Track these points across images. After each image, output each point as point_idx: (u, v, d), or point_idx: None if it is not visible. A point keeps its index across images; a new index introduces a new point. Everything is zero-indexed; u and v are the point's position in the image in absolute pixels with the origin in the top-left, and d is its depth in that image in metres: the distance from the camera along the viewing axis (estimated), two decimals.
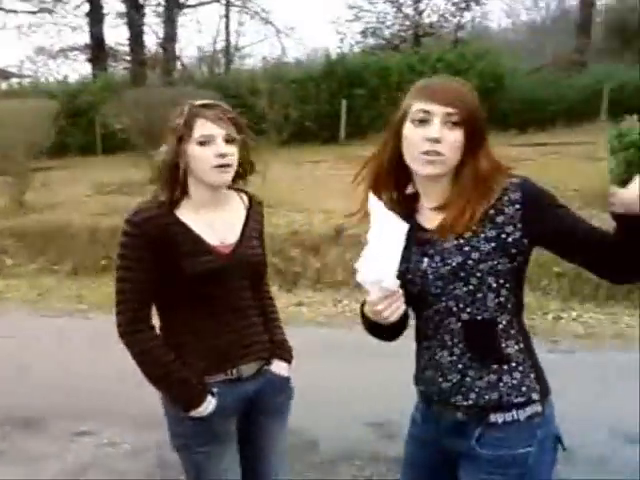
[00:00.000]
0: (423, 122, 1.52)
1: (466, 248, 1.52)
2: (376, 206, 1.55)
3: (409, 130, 1.55)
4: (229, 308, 1.92)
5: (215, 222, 1.92)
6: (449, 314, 1.57)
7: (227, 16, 21.93)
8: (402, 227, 1.52)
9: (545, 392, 1.59)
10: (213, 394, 1.89)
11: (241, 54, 23.00)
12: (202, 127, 1.83)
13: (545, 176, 7.98)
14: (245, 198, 2.05)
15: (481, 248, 1.51)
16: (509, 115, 14.81)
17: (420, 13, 20.84)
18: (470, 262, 1.51)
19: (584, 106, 14.26)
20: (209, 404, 1.88)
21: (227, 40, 21.83)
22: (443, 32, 20.98)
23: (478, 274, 1.51)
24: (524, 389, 1.55)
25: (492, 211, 1.52)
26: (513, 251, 1.52)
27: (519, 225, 1.50)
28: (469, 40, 19.56)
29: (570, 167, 9.27)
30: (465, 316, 1.55)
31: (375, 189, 1.62)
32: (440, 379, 1.60)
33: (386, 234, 1.50)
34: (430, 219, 1.61)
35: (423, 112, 1.52)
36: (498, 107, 14.88)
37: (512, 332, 1.56)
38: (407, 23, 20.93)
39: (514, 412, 1.55)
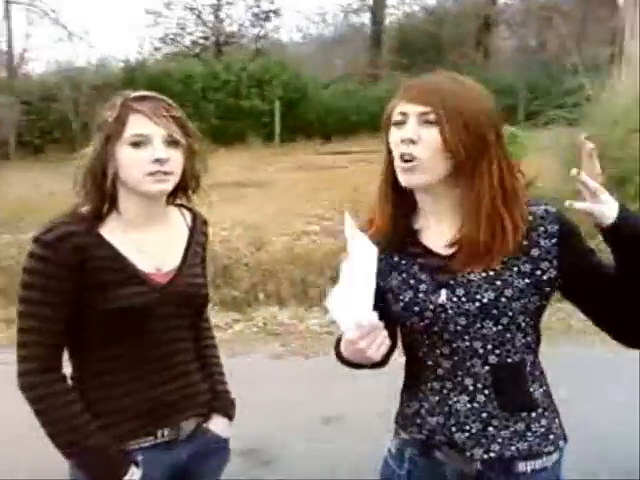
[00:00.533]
0: (400, 124, 1.34)
1: (498, 282, 1.32)
2: (348, 228, 1.30)
3: (391, 134, 1.37)
4: (163, 353, 1.57)
5: (150, 244, 1.57)
6: (473, 355, 1.36)
7: (8, 16, 20.12)
8: (372, 251, 1.28)
9: (565, 437, 1.45)
10: (137, 464, 1.54)
11: (29, 57, 21.27)
12: (136, 124, 1.48)
13: (363, 183, 8.18)
14: (188, 216, 1.69)
15: (515, 284, 1.33)
16: (314, 125, 15.25)
17: (221, 21, 20.74)
18: (503, 300, 1.32)
19: (381, 116, 15.03)
20: (131, 477, 1.52)
21: (9, 41, 20.04)
22: (244, 42, 21.07)
23: (510, 313, 1.33)
24: (552, 437, 1.40)
25: (526, 242, 1.33)
26: (547, 289, 1.35)
27: (555, 262, 1.34)
28: (268, 51, 19.87)
29: (378, 174, 9.62)
30: (493, 359, 1.36)
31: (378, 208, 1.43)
32: (454, 428, 1.39)
33: (357, 262, 1.27)
34: (441, 244, 1.39)
35: (401, 114, 1.34)
36: (303, 117, 15.31)
37: (537, 374, 1.41)
38: (208, 31, 20.74)
39: (544, 458, 1.40)
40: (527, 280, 1.32)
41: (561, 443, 1.42)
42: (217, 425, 1.69)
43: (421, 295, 1.37)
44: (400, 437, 1.50)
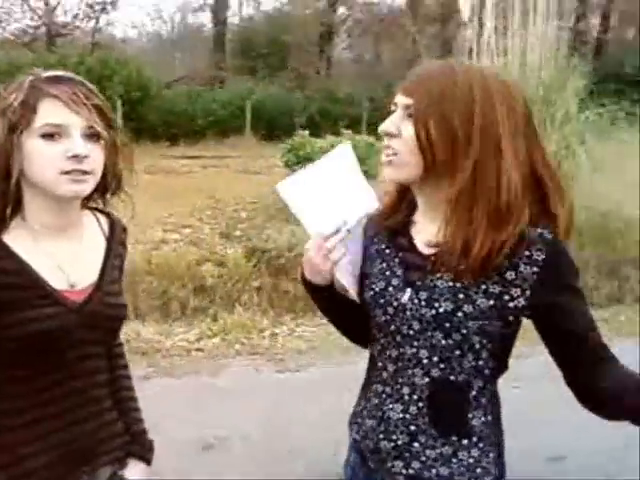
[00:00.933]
0: (390, 115, 1.26)
1: (460, 295, 1.22)
2: (352, 163, 1.34)
3: None
4: (76, 387, 1.34)
5: (62, 256, 1.33)
6: (417, 364, 1.27)
7: None
8: (372, 204, 1.34)
9: (500, 475, 1.33)
10: None
11: None
12: (50, 112, 1.24)
13: (219, 189, 7.90)
14: (104, 222, 1.45)
15: (477, 302, 1.21)
16: (158, 127, 14.72)
17: (52, 10, 19.38)
18: (460, 315, 1.22)
19: (230, 120, 14.86)
20: None
21: None
22: (77, 34, 19.87)
23: (464, 330, 1.23)
24: (479, 471, 1.29)
25: (505, 262, 1.21)
26: (510, 318, 1.23)
27: (527, 292, 1.21)
28: (106, 46, 18.92)
29: (233, 180, 9.49)
30: (436, 372, 1.26)
31: None
32: (381, 435, 1.31)
33: (349, 194, 1.32)
34: (426, 241, 1.29)
35: (393, 104, 1.25)
36: (146, 118, 14.71)
37: (482, 401, 1.29)
38: (38, 19, 19.30)
39: None
40: (491, 302, 1.21)
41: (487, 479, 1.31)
42: (134, 472, 1.47)
43: (390, 289, 1.30)
44: (350, 439, 1.43)
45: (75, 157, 1.24)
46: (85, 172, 1.26)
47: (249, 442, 3.42)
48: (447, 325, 1.23)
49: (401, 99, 1.23)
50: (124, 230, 1.49)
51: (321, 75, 18.73)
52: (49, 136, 1.24)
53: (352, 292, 1.37)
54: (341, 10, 21.87)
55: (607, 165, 6.24)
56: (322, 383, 4.15)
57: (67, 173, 1.25)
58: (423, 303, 1.25)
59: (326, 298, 1.40)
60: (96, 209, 1.44)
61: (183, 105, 15.31)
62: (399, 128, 1.22)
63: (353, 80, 18.43)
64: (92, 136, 1.27)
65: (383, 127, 1.24)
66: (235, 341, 4.78)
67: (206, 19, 22.92)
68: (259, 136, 14.33)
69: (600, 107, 6.58)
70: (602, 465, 3.23)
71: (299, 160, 6.94)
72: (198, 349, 4.67)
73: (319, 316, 5.63)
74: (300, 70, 18.14)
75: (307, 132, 7.32)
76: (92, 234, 1.42)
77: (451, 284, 1.23)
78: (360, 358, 4.95)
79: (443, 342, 1.24)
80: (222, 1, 20.71)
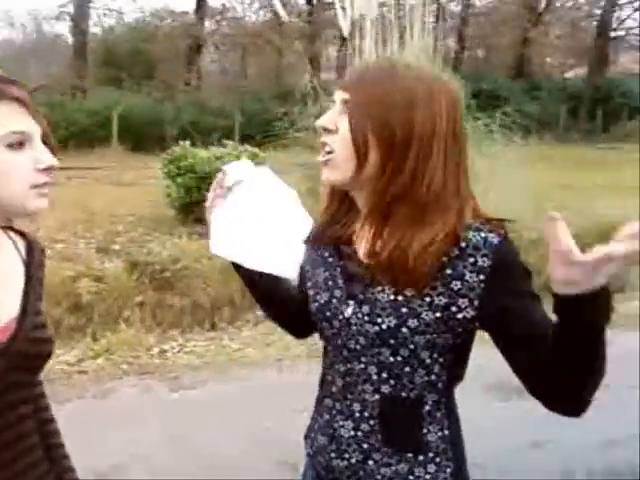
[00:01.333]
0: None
1: (403, 309, 1.14)
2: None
3: None
4: (7, 441, 1.14)
5: None
6: (366, 380, 1.21)
7: None
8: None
9: None
10: None
11: None
12: (11, 117, 1.08)
13: (89, 201, 7.44)
14: (20, 243, 1.24)
15: (422, 315, 1.14)
16: None
17: None
18: (404, 330, 1.15)
19: (95, 130, 14.23)
20: None
21: None
22: None
23: (411, 346, 1.16)
24: None
25: (449, 271, 1.12)
26: (459, 330, 1.16)
27: (476, 302, 1.13)
28: None
29: (104, 192, 9.04)
30: (386, 389, 1.20)
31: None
32: (334, 454, 1.26)
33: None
34: (365, 250, 1.21)
35: (332, 101, 1.21)
36: None
37: (438, 415, 1.22)
38: None
39: None
40: (437, 314, 1.14)
41: None
42: None
43: (334, 301, 1.23)
44: (305, 454, 1.37)
45: (48, 169, 1.12)
46: (45, 184, 1.14)
47: (148, 467, 3.16)
48: (392, 342, 1.16)
49: (339, 94, 1.18)
50: (42, 251, 1.28)
51: (191, 86, 18.35)
52: (16, 145, 1.09)
53: (216, 249, 1.37)
54: (208, 24, 21.66)
55: (482, 176, 6.48)
56: (220, 400, 3.94)
57: (37, 187, 1.12)
58: (366, 318, 1.18)
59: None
60: (9, 228, 1.23)
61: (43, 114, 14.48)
62: (336, 123, 1.17)
63: (222, 92, 18.24)
64: (47, 146, 1.14)
65: (320, 122, 1.19)
66: (121, 361, 4.45)
67: (63, 27, 21.90)
68: (126, 147, 13.78)
69: (475, 120, 6.83)
70: (506, 465, 3.28)
71: (180, 171, 6.67)
72: (80, 371, 4.29)
73: (207, 329, 5.44)
74: (168, 81, 17.72)
75: (188, 143, 7.05)
76: (8, 258, 1.21)
77: (392, 297, 1.16)
78: (258, 372, 4.77)
79: (391, 359, 1.18)
80: (82, 10, 19.83)
